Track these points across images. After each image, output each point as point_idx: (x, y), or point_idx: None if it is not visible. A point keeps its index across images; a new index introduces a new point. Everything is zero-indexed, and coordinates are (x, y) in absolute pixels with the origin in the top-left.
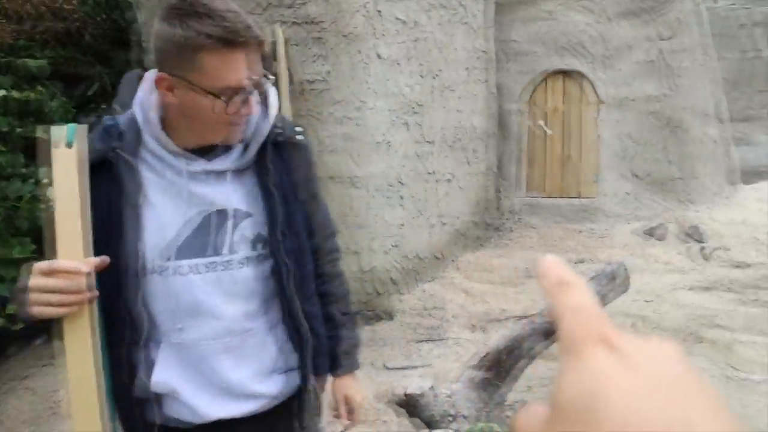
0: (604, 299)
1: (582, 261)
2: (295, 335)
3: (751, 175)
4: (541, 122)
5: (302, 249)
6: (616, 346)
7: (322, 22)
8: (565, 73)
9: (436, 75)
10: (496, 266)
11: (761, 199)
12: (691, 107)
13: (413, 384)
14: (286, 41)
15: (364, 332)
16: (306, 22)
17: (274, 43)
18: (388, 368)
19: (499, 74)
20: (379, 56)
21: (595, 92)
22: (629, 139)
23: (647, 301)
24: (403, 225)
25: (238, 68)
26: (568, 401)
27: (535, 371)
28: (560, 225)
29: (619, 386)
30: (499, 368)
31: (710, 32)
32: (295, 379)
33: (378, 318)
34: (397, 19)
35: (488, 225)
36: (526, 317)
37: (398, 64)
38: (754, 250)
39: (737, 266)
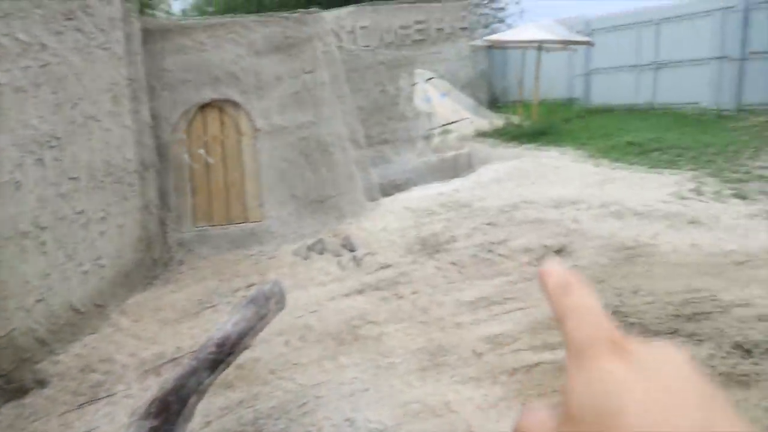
0: (264, 319)
1: (253, 284)
2: None
3: (390, 188)
4: (202, 151)
5: None
6: (626, 351)
7: None
8: (222, 103)
9: (75, 104)
10: (167, 303)
11: (394, 210)
12: (334, 133)
13: None
14: None
15: (6, 410)
16: None
17: None
18: None
19: (153, 104)
20: None
21: (252, 121)
22: (286, 164)
23: (312, 312)
24: (48, 275)
25: None
26: (584, 407)
27: (211, 404)
28: (231, 252)
29: (636, 393)
30: (168, 412)
31: (344, 70)
32: None
33: (25, 390)
34: (17, 39)
35: (155, 261)
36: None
37: (24, 91)
38: (392, 252)
39: (382, 268)
